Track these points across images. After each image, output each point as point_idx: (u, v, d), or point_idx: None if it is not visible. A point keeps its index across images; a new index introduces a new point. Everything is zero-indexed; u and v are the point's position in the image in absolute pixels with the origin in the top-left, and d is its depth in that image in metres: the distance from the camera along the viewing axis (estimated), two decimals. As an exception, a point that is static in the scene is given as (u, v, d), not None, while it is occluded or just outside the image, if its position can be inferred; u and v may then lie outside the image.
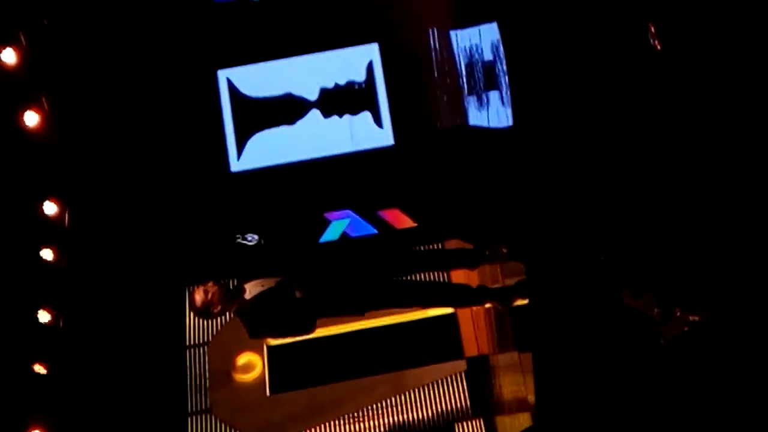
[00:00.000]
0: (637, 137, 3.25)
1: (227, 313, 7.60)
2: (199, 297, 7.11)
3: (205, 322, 9.47)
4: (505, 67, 8.32)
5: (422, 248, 9.18)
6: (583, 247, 3.54)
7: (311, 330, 7.48)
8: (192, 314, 8.53)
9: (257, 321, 7.24)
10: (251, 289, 7.14)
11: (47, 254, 9.21)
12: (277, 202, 9.63)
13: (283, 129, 9.88)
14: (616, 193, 3.25)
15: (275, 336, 8.22)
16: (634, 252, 3.44)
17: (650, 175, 3.18)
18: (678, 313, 3.72)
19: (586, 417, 3.08)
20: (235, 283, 7.31)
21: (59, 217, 9.49)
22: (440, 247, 9.08)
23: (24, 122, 8.95)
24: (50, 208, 9.43)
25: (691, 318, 3.61)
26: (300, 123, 9.90)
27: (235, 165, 9.84)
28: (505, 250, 7.15)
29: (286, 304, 7.17)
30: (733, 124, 3.23)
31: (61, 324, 9.09)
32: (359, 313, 7.78)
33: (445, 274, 8.97)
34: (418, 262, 8.30)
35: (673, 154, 3.17)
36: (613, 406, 3.05)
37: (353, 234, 9.63)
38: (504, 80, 8.43)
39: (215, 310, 7.22)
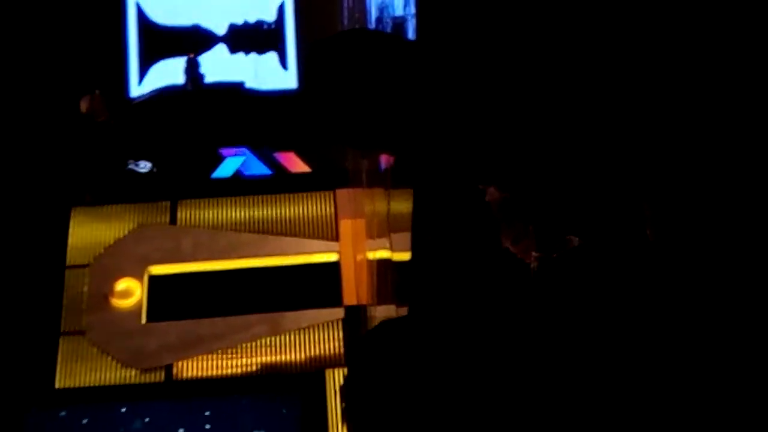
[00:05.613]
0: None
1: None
2: (84, 103, 6.97)
3: (87, 245, 9.40)
4: (414, 24, 8.38)
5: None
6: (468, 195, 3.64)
7: None
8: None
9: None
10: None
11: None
12: (173, 131, 9.59)
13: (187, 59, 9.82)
14: (501, 133, 3.34)
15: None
16: (516, 197, 3.55)
17: (534, 113, 3.27)
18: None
19: (459, 365, 3.19)
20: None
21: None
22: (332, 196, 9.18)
23: None
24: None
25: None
26: (205, 55, 9.87)
27: (136, 90, 9.76)
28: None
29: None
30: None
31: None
32: None
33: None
34: None
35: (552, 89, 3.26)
36: (488, 353, 3.17)
37: (247, 173, 9.64)
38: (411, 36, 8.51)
39: (99, 119, 7.08)
